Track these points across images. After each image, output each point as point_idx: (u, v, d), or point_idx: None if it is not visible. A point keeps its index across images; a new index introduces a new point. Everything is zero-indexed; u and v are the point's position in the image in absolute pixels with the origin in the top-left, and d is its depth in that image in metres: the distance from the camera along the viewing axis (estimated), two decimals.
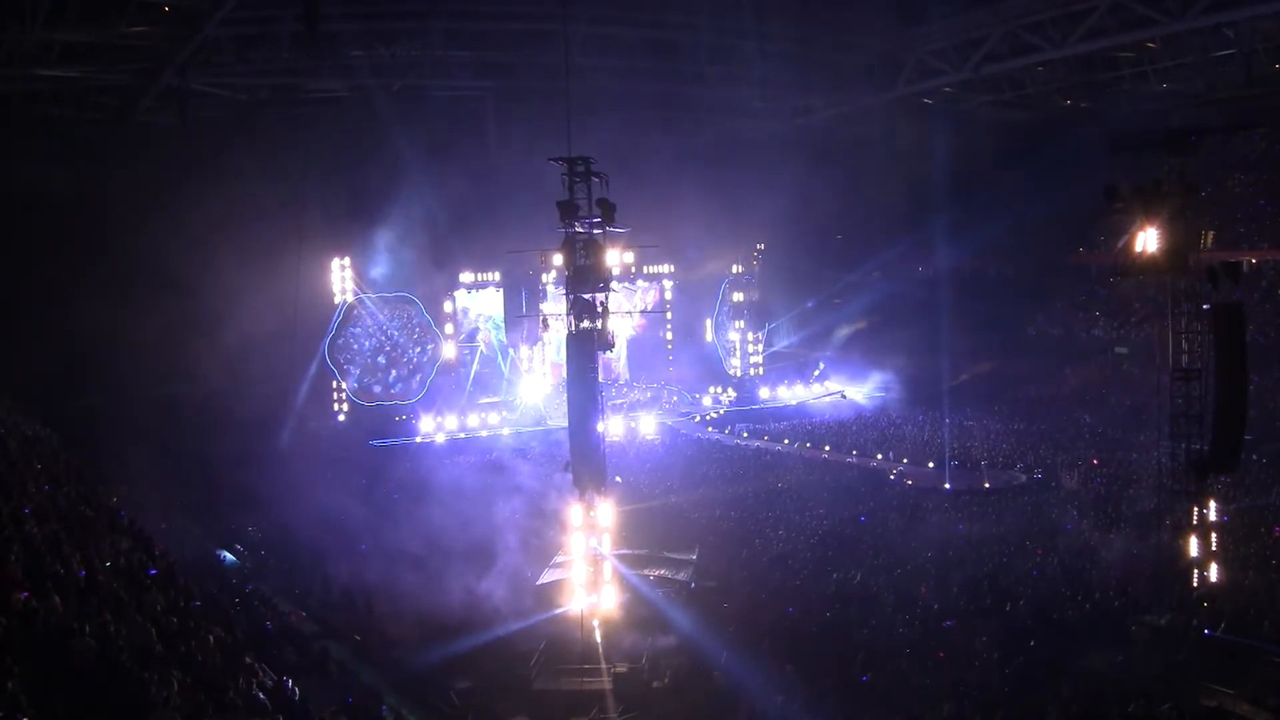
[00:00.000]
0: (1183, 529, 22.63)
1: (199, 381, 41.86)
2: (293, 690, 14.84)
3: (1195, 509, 22.53)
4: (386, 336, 52.55)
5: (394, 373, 52.83)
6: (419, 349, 53.52)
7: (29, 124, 43.25)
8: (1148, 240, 22.80)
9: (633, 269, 57.30)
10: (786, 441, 47.40)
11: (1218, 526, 23.10)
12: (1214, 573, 22.81)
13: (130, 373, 41.25)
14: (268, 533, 31.65)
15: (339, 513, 32.28)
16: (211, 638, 13.82)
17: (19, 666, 9.88)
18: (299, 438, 43.42)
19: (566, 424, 24.37)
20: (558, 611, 24.25)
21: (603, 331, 23.10)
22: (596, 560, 23.37)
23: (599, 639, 22.88)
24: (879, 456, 43.25)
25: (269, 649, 19.61)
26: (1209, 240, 25.59)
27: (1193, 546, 22.47)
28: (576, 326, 22.99)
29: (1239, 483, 30.87)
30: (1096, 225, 53.76)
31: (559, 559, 26.98)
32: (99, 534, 17.38)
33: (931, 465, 40.63)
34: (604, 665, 22.03)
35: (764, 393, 59.67)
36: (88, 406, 39.33)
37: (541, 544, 29.35)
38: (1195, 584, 22.54)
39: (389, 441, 47.75)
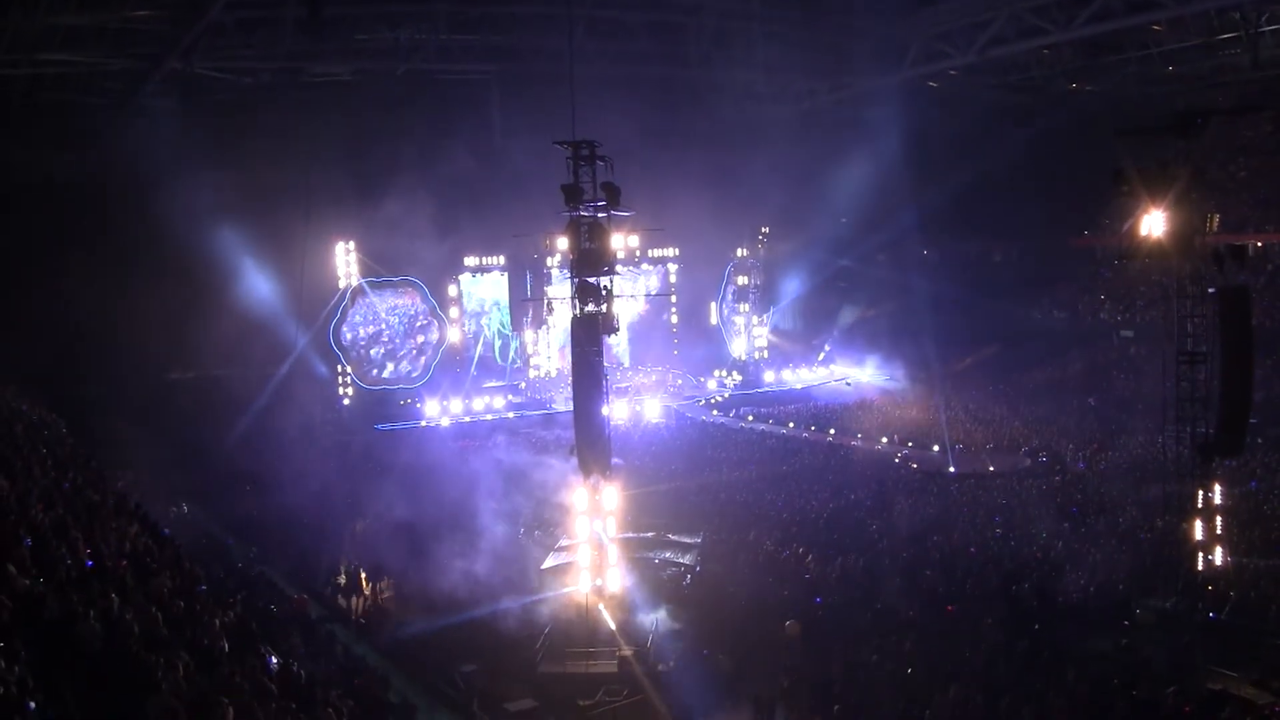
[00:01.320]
0: (1187, 512, 22.61)
1: (201, 366, 41.86)
2: (298, 673, 14.86)
3: (1200, 492, 22.51)
4: (389, 321, 52.52)
5: (390, 365, 52.80)
6: (423, 333, 53.51)
7: (32, 109, 43.10)
8: (1153, 223, 22.75)
9: (637, 253, 57.17)
10: (791, 425, 47.42)
11: (1222, 510, 23.08)
12: (1218, 556, 22.81)
13: (132, 358, 41.25)
14: (272, 516, 31.71)
15: (341, 495, 32.36)
16: (217, 621, 13.85)
17: (26, 649, 9.93)
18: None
19: (571, 407, 24.40)
20: (563, 594, 24.33)
21: (607, 315, 23.14)
22: (601, 544, 23.43)
23: (605, 622, 22.95)
24: (884, 440, 43.26)
25: (274, 632, 19.66)
26: (1215, 223, 25.42)
27: (1197, 530, 22.46)
28: (581, 310, 23.03)
29: (1244, 466, 30.85)
30: (1102, 208, 53.57)
31: (564, 542, 27.02)
32: (105, 519, 17.42)
33: (936, 449, 40.64)
34: (609, 648, 22.06)
35: (768, 376, 59.63)
36: (90, 391, 39.38)
37: (538, 525, 29.43)
38: (1200, 567, 22.53)
39: (394, 426, 47.80)
